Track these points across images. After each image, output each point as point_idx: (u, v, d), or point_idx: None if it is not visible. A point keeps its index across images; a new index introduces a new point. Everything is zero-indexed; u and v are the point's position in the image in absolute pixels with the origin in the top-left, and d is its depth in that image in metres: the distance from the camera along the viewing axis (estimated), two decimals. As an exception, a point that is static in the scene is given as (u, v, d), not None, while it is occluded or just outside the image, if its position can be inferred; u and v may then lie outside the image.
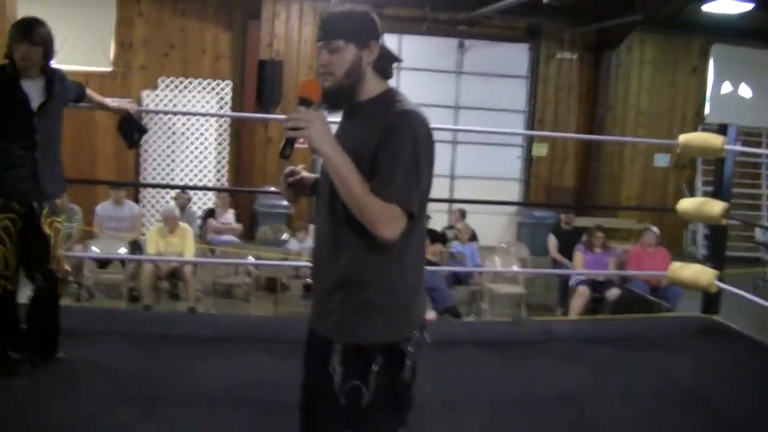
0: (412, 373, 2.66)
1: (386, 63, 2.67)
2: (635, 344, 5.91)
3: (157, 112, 13.62)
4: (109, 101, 5.11)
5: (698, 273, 6.40)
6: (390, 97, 2.62)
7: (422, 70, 14.48)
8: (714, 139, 6.32)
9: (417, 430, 4.03)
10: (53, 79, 4.44)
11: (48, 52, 4.37)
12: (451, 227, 11.02)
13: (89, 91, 4.91)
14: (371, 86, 2.64)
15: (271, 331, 5.93)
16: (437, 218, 11.22)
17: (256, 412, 4.23)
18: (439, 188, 14.57)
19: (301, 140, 2.46)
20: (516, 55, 15.27)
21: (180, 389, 4.50)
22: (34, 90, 4.36)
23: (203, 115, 13.86)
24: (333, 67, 2.59)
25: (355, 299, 2.61)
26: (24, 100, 4.31)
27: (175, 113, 14.01)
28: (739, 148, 6.83)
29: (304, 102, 2.51)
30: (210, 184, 13.77)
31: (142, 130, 5.25)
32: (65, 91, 4.59)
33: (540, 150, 15.42)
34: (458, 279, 9.87)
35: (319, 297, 2.77)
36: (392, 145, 2.48)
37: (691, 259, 13.92)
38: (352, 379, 2.59)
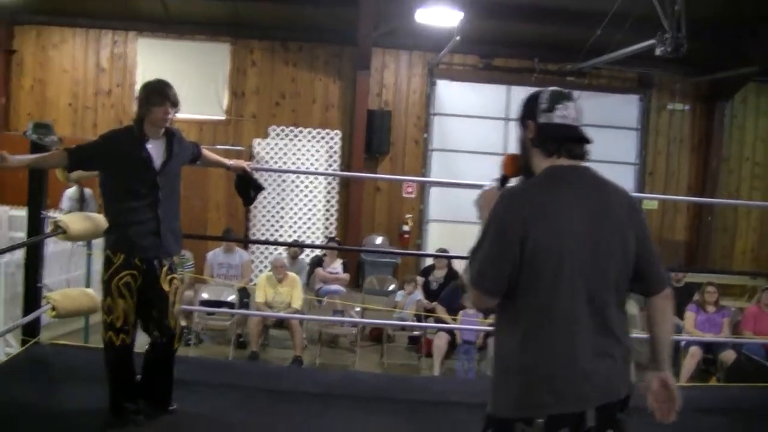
0: None
1: (550, 139, 2.76)
2: (749, 415, 5.69)
3: (269, 171, 13.87)
4: (227, 160, 5.23)
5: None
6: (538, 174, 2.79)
7: (531, 121, 14.39)
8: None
9: None
10: (173, 139, 4.58)
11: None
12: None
13: (205, 151, 5.05)
14: (538, 163, 2.79)
15: (378, 388, 5.90)
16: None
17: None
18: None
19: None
20: (626, 106, 15.06)
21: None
22: (156, 149, 4.50)
23: (313, 173, 14.01)
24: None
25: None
26: (148, 159, 4.45)
27: (286, 171, 14.29)
28: None
29: (503, 179, 2.86)
30: (319, 232, 13.90)
31: (259, 188, 5.35)
32: (184, 150, 4.73)
33: (651, 203, 15.11)
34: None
35: None
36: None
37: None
38: None
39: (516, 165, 2.81)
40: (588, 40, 12.72)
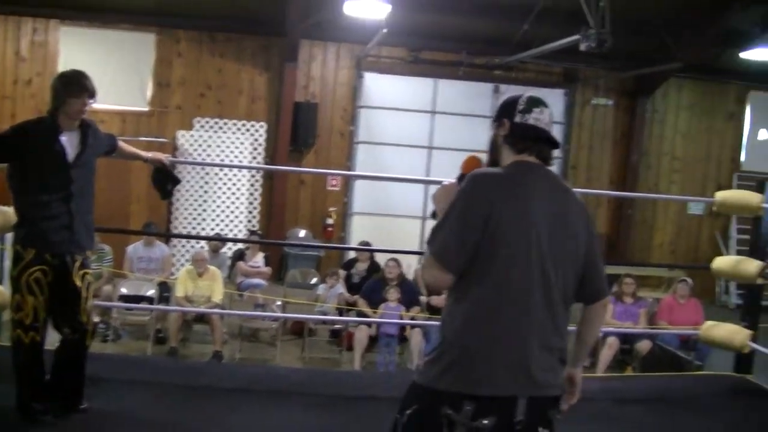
0: None
1: (520, 138, 2.93)
2: (666, 404, 5.81)
3: (190, 164, 13.74)
4: (143, 153, 5.15)
5: (732, 333, 6.30)
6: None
7: (458, 115, 14.49)
8: (751, 198, 6.22)
9: None
10: (88, 131, 4.49)
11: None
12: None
13: (121, 143, 4.96)
14: (506, 158, 2.95)
15: (298, 382, 5.87)
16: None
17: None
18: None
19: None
20: (551, 101, 15.02)
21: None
22: (70, 142, 4.40)
23: (234, 167, 13.86)
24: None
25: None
26: (62, 152, 4.36)
27: (207, 164, 14.19)
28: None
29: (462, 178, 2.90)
30: (242, 226, 13.79)
31: (176, 181, 5.28)
32: (99, 142, 4.64)
33: (573, 196, 15.30)
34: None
35: None
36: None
37: (724, 308, 13.79)
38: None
39: (477, 167, 2.97)
40: (515, 35, 12.87)
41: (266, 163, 14.12)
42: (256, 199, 14.19)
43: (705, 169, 15.79)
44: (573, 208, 2.92)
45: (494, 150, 3.00)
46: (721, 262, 6.52)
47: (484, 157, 3.09)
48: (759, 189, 6.37)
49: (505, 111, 2.97)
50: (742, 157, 16.08)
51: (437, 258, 2.76)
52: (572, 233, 2.87)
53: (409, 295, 9.54)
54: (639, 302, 9.98)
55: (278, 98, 14.18)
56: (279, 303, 10.09)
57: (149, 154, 5.16)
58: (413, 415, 2.79)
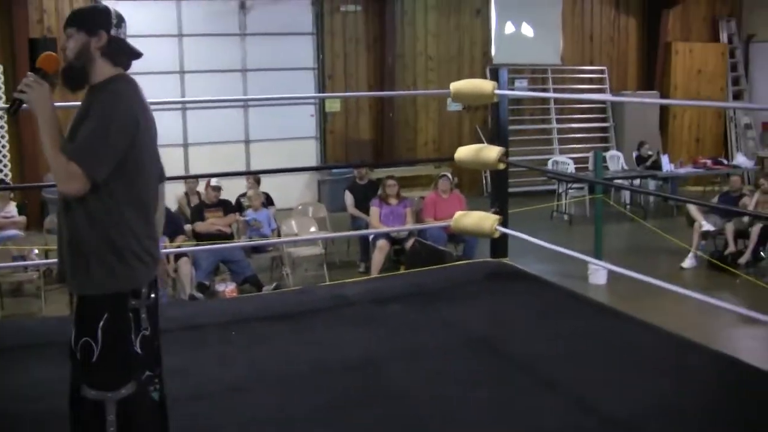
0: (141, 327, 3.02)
1: (118, 52, 3.06)
2: (426, 298, 5.90)
3: None
4: None
5: (481, 219, 6.46)
6: (111, 81, 3.02)
7: (205, 35, 14.08)
8: (484, 85, 6.33)
9: (204, 415, 3.92)
10: None
11: None
12: (244, 195, 10.76)
13: None
14: (102, 71, 3.02)
15: (57, 332, 5.52)
16: (234, 187, 10.94)
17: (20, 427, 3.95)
18: (233, 155, 14.35)
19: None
20: (300, 12, 14.98)
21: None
22: None
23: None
24: (67, 49, 3.03)
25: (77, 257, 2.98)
26: None
27: None
28: (512, 92, 6.86)
29: (39, 72, 2.90)
30: (-12, 176, 12.92)
31: None
32: None
33: (333, 105, 15.32)
34: (256, 247, 9.66)
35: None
36: (89, 119, 2.89)
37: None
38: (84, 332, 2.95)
39: (56, 64, 2.99)
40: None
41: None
42: (4, 146, 13.29)
43: (458, 66, 16.10)
44: None
45: (85, 58, 3.00)
46: (463, 152, 6.60)
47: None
48: (496, 78, 6.47)
49: (101, 22, 3.02)
50: (493, 52, 16.47)
51: (85, 165, 2.85)
52: None
53: (172, 225, 9.23)
54: (404, 201, 10.14)
55: (11, 37, 13.18)
56: (36, 251, 9.53)
57: None
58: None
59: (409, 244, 9.49)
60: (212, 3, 14.29)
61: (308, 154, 15.06)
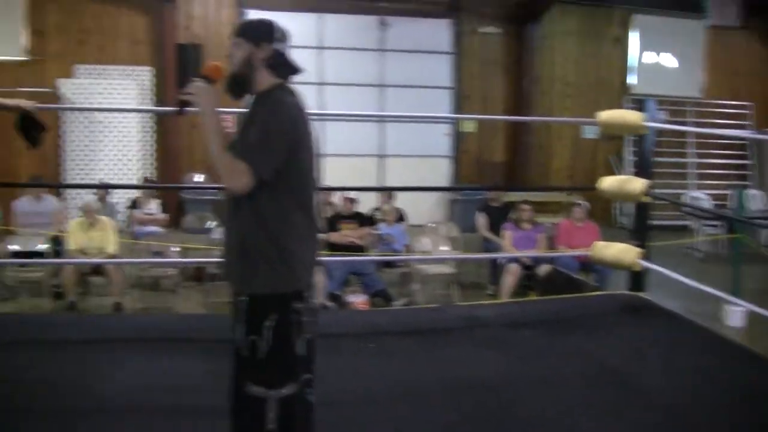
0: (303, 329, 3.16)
1: (281, 65, 3.21)
2: (560, 326, 5.87)
3: (61, 109, 13.04)
4: (3, 99, 4.89)
5: (622, 252, 6.38)
6: (277, 89, 3.18)
7: (345, 49, 14.36)
8: (633, 117, 6.29)
9: (335, 425, 3.99)
10: None
11: None
12: (377, 209, 10.88)
13: None
14: (265, 80, 3.18)
15: (197, 329, 5.75)
16: (366, 200, 11.08)
17: (171, 418, 4.10)
18: (368, 168, 14.51)
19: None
20: (439, 31, 15.15)
21: (96, 398, 4.32)
22: None
23: (114, 110, 13.43)
24: (233, 57, 3.19)
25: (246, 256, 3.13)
26: None
27: (88, 109, 13.70)
28: (659, 125, 6.79)
29: (205, 79, 3.09)
30: (134, 173, 13.43)
31: (42, 128, 5.02)
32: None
33: (468, 125, 15.36)
34: (388, 262, 9.76)
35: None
36: (257, 124, 3.06)
37: (621, 229, 14.05)
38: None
39: (221, 74, 3.17)
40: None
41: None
42: (151, 145, 13.85)
43: (597, 94, 15.86)
44: None
45: (249, 69, 3.18)
46: (607, 182, 6.56)
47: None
48: (640, 109, 6.41)
49: (265, 34, 3.21)
50: (632, 81, 16.22)
51: (255, 166, 3.00)
52: None
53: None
54: (537, 228, 10.08)
55: (160, 41, 13.75)
56: (176, 249, 9.86)
57: (12, 102, 4.90)
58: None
59: (542, 270, 9.44)
60: (354, 18, 14.55)
61: (441, 172, 15.15)
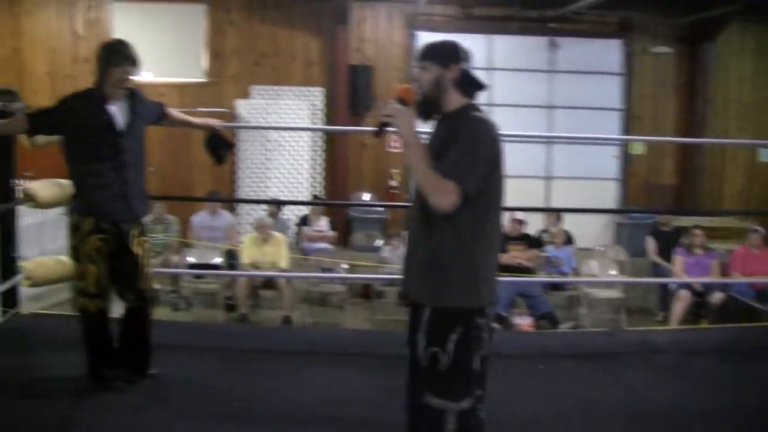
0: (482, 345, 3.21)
1: (468, 84, 3.26)
2: (739, 356, 5.68)
3: (240, 127, 13.49)
4: (194, 119, 5.14)
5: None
6: (468, 108, 3.22)
7: (514, 70, 14.33)
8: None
9: None
10: (135, 100, 4.49)
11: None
12: (545, 231, 10.79)
13: (171, 110, 4.96)
14: (453, 100, 3.24)
15: (365, 345, 5.87)
16: (532, 221, 10.99)
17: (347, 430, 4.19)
18: (534, 190, 14.40)
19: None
20: (609, 51, 14.89)
21: (271, 406, 4.49)
22: (119, 111, 4.41)
23: (291, 129, 13.85)
24: (422, 80, 3.26)
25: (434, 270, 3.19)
26: (110, 121, 4.37)
27: (264, 128, 14.20)
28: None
29: (400, 102, 3.14)
30: (305, 191, 13.79)
31: (229, 146, 5.25)
32: (147, 110, 4.66)
33: (637, 148, 15.03)
34: (555, 284, 9.67)
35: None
36: (459, 142, 3.07)
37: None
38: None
39: (412, 96, 3.22)
40: (568, -15, 12.61)
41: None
42: (319, 164, 14.21)
43: (773, 115, 15.28)
44: None
45: (439, 89, 3.23)
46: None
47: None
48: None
49: (453, 55, 3.25)
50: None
51: (461, 183, 3.03)
52: None
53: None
54: (710, 253, 9.77)
55: (332, 63, 14.11)
56: (345, 266, 10.09)
57: (200, 120, 5.15)
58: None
59: (715, 297, 9.13)
60: (523, 39, 14.50)
61: (608, 195, 14.86)
